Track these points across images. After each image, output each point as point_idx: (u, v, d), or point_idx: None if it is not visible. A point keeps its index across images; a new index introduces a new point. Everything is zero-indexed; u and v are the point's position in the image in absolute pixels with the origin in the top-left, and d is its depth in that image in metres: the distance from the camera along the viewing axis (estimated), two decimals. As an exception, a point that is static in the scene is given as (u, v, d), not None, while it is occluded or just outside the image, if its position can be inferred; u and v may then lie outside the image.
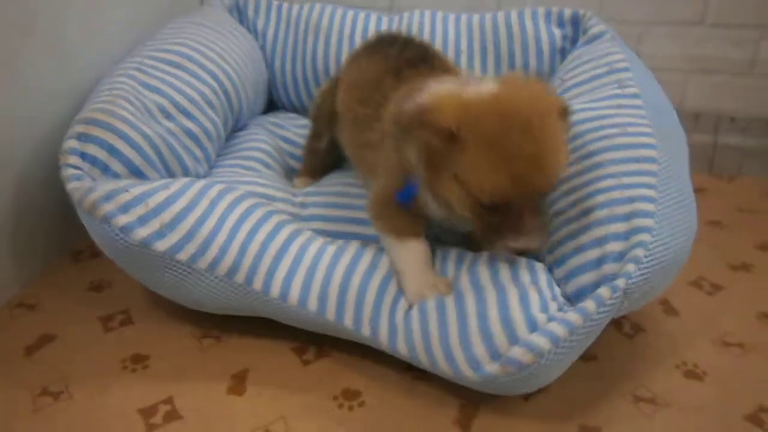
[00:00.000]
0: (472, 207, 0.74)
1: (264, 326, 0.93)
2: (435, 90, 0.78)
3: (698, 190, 0.94)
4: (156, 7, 1.31)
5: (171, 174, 0.97)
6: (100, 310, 0.97)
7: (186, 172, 0.99)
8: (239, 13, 1.39)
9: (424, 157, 0.76)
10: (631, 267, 0.73)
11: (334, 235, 0.94)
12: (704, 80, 1.38)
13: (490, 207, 0.73)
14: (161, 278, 0.84)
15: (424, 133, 0.73)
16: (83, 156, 0.85)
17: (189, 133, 1.02)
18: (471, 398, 0.82)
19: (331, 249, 0.86)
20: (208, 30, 1.19)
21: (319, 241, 0.87)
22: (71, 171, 0.84)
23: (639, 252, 0.74)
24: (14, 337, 0.92)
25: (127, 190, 0.81)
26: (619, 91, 0.97)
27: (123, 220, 0.80)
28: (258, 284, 0.82)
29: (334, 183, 1.10)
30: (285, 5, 1.38)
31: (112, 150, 0.88)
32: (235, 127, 1.24)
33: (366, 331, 0.81)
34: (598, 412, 0.81)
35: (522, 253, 0.76)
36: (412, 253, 0.84)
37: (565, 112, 0.76)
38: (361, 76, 1.02)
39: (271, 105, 1.43)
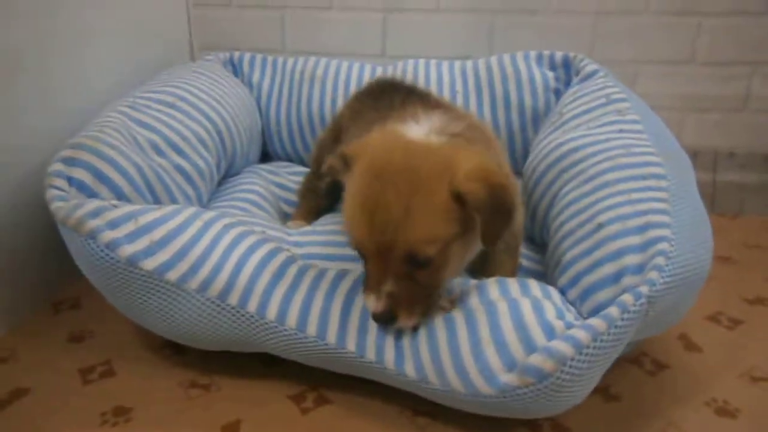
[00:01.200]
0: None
1: (257, 373, 0.86)
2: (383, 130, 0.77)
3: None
4: (146, 57, 1.31)
5: (160, 207, 0.92)
6: (79, 362, 0.90)
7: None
8: (233, 68, 1.40)
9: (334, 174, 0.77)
10: (654, 274, 0.69)
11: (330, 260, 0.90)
12: (700, 118, 1.38)
13: (357, 250, 0.71)
14: (146, 303, 0.78)
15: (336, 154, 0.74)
16: (69, 180, 0.82)
17: (181, 171, 0.98)
18: (488, 442, 0.75)
19: (331, 273, 0.81)
20: (203, 76, 1.18)
21: (317, 268, 0.82)
22: (56, 192, 0.80)
23: (660, 260, 0.71)
24: (-16, 392, 0.84)
25: (115, 206, 0.76)
26: (619, 117, 0.96)
27: (110, 235, 0.75)
28: (253, 306, 0.76)
29: (328, 223, 1.06)
30: (280, 59, 1.39)
31: (99, 175, 0.84)
32: (228, 173, 1.21)
33: (371, 355, 0.74)
34: (626, 454, 0.74)
35: (375, 319, 0.70)
36: None
37: (461, 198, 0.67)
38: (363, 123, 1.01)
39: (265, 157, 1.41)
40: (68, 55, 1.05)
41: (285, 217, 1.16)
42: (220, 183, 1.18)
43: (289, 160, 1.39)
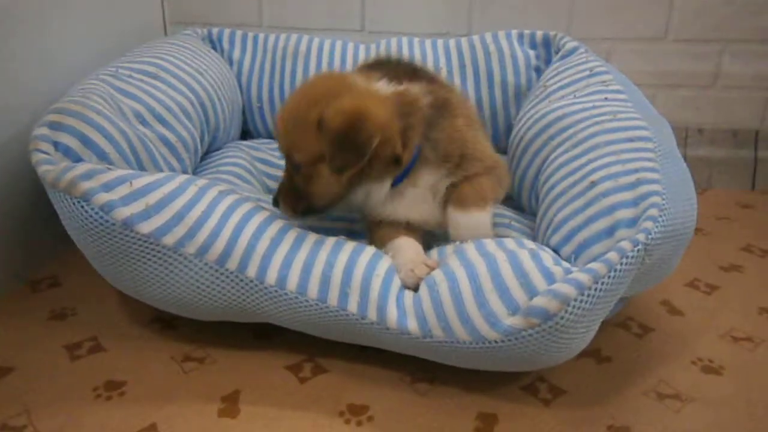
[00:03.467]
0: None
1: (251, 345, 0.85)
2: None
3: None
4: (117, 31, 1.26)
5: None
6: (64, 338, 0.87)
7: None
8: (212, 44, 1.36)
9: None
10: (649, 224, 0.72)
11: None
12: (671, 94, 1.42)
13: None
14: (141, 269, 0.75)
15: None
16: (56, 145, 0.78)
17: (165, 141, 0.96)
18: (488, 404, 0.76)
19: (332, 239, 0.80)
20: (184, 49, 1.15)
21: (316, 234, 0.81)
22: (42, 155, 0.76)
23: (654, 211, 0.73)
24: (-37, 372, 0.80)
25: (109, 169, 0.73)
26: (603, 87, 0.98)
27: (105, 198, 0.72)
28: (252, 271, 0.75)
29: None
30: (261, 35, 1.36)
31: (85, 140, 0.81)
32: (211, 147, 1.18)
33: (372, 314, 0.74)
34: (623, 411, 0.76)
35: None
36: (398, 246, 0.83)
37: (320, 124, 0.79)
38: None
39: (245, 135, 1.38)
40: (37, 28, 1.00)
41: (268, 191, 1.14)
42: (202, 157, 1.15)
43: (270, 137, 1.36)
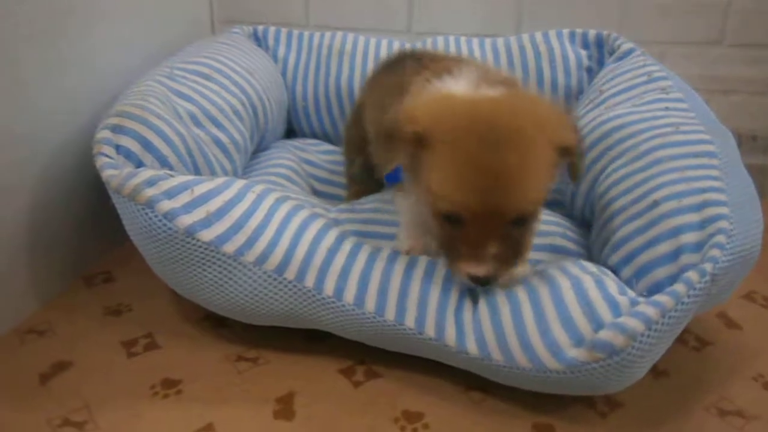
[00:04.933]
0: (434, 215, 0.70)
1: (303, 348, 0.85)
2: (425, 92, 0.75)
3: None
4: (167, 31, 1.27)
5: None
6: (120, 335, 0.88)
7: (215, 179, 0.93)
8: (258, 42, 1.36)
9: (405, 161, 0.72)
10: (716, 252, 0.69)
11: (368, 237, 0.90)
12: (724, 100, 1.38)
13: (449, 218, 0.68)
14: (202, 275, 0.76)
15: (398, 138, 0.69)
16: (117, 148, 0.79)
17: (218, 143, 0.96)
18: (544, 415, 0.75)
19: (387, 250, 0.80)
20: (234, 49, 1.16)
21: (371, 245, 0.81)
22: (106, 159, 0.77)
23: (721, 238, 0.71)
24: (26, 364, 0.82)
25: (170, 176, 0.74)
26: (663, 96, 0.96)
27: (168, 205, 0.73)
28: (310, 281, 0.75)
29: (369, 201, 1.04)
30: (306, 33, 1.36)
31: (146, 144, 0.82)
32: (259, 147, 1.19)
33: (430, 331, 0.73)
34: (683, 426, 0.74)
35: (478, 282, 0.69)
36: (409, 204, 0.84)
37: (565, 150, 0.69)
38: (381, 89, 1.01)
39: (290, 134, 1.39)
40: (88, 31, 1.01)
41: (315, 194, 1.15)
42: (251, 157, 1.16)
43: (315, 136, 1.36)
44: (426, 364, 0.81)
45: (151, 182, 0.74)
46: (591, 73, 1.23)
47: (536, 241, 0.89)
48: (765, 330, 0.93)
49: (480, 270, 0.67)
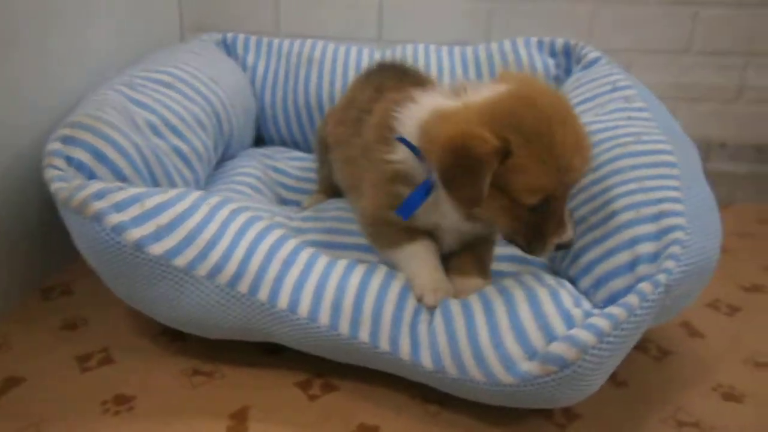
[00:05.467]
0: (514, 213, 0.72)
1: (261, 361, 0.84)
2: (433, 106, 0.76)
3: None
4: (136, 36, 1.26)
5: (159, 189, 0.89)
6: (75, 349, 0.86)
7: (175, 191, 0.91)
8: (227, 49, 1.35)
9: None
10: (670, 263, 0.69)
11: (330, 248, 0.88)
12: (692, 108, 1.39)
13: (536, 207, 0.71)
14: (153, 290, 0.75)
15: (482, 163, 0.68)
16: (69, 159, 0.78)
17: (179, 153, 0.95)
18: (501, 427, 0.74)
19: (343, 262, 0.79)
20: (199, 57, 1.15)
21: (327, 256, 0.80)
22: (55, 172, 0.76)
23: (676, 249, 0.71)
24: (-25, 381, 0.80)
25: (120, 188, 0.72)
26: (626, 105, 0.96)
27: (116, 218, 0.72)
28: (264, 294, 0.74)
29: (330, 209, 1.04)
30: (276, 41, 1.35)
31: (99, 155, 0.80)
32: (225, 155, 1.18)
33: (385, 345, 0.73)
34: (640, 439, 0.74)
35: (569, 246, 0.74)
36: (416, 254, 0.80)
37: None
38: (345, 101, 1.04)
39: (258, 142, 1.38)
40: (44, 41, 0.99)
41: (282, 203, 1.14)
42: (216, 166, 1.15)
43: (284, 144, 1.36)
44: (383, 376, 0.80)
45: (99, 195, 0.72)
46: (558, 81, 1.24)
47: (499, 251, 0.89)
48: (727, 339, 0.93)
49: (570, 233, 0.73)
